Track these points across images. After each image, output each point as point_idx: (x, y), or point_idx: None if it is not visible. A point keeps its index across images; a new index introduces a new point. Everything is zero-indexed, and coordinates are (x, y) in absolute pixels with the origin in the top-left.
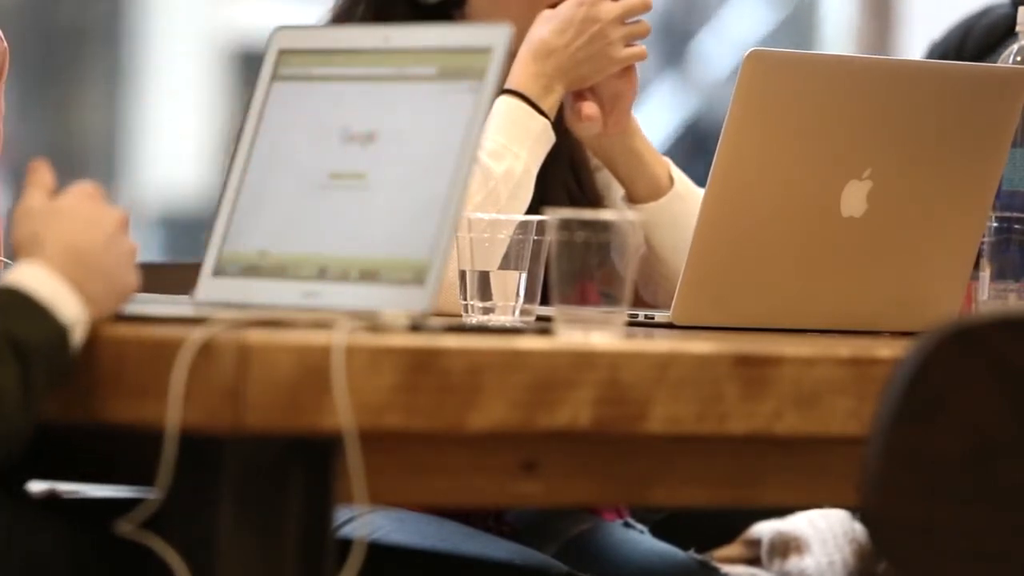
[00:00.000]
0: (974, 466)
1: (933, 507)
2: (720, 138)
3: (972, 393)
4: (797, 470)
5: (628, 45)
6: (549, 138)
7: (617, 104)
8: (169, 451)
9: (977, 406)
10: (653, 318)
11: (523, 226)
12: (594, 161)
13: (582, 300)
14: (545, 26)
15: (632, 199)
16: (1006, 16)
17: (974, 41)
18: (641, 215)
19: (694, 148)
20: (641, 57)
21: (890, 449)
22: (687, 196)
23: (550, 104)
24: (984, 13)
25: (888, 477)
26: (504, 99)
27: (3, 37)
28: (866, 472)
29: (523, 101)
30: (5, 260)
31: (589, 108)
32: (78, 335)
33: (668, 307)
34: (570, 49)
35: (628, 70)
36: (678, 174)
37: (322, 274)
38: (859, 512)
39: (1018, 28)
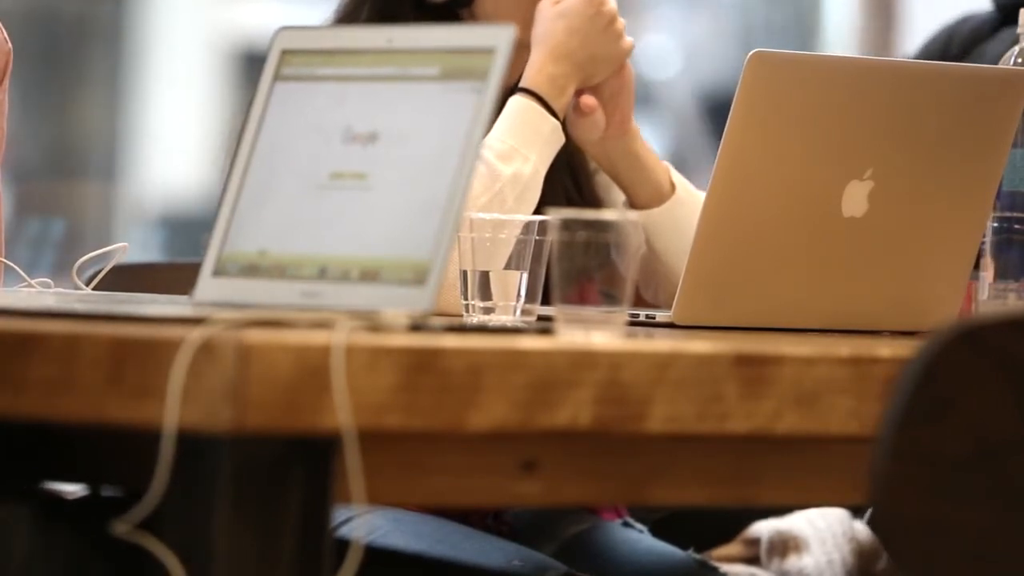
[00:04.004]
0: (983, 466)
1: (942, 507)
2: (722, 138)
3: (980, 393)
4: (797, 469)
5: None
6: (559, 139)
7: (618, 102)
8: (166, 451)
9: (985, 406)
10: (654, 318)
11: (524, 226)
12: (592, 164)
13: (583, 300)
14: (557, 23)
15: (634, 205)
16: (989, 18)
17: (958, 46)
18: (643, 221)
19: None
20: (632, 48)
21: (899, 449)
22: (688, 201)
23: (562, 105)
24: (965, 20)
25: (897, 477)
26: (517, 98)
27: (8, 39)
28: (874, 472)
29: (536, 101)
30: (5, 261)
31: (588, 99)
32: None
33: (669, 307)
34: (587, 48)
35: (622, 66)
36: (679, 179)
37: (322, 274)
38: (867, 512)
39: (1019, 29)
